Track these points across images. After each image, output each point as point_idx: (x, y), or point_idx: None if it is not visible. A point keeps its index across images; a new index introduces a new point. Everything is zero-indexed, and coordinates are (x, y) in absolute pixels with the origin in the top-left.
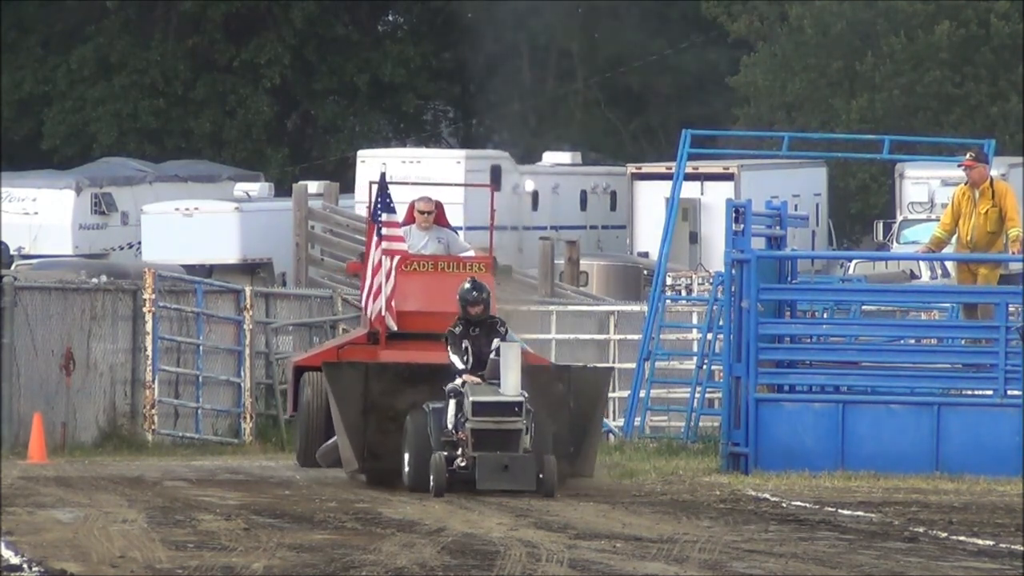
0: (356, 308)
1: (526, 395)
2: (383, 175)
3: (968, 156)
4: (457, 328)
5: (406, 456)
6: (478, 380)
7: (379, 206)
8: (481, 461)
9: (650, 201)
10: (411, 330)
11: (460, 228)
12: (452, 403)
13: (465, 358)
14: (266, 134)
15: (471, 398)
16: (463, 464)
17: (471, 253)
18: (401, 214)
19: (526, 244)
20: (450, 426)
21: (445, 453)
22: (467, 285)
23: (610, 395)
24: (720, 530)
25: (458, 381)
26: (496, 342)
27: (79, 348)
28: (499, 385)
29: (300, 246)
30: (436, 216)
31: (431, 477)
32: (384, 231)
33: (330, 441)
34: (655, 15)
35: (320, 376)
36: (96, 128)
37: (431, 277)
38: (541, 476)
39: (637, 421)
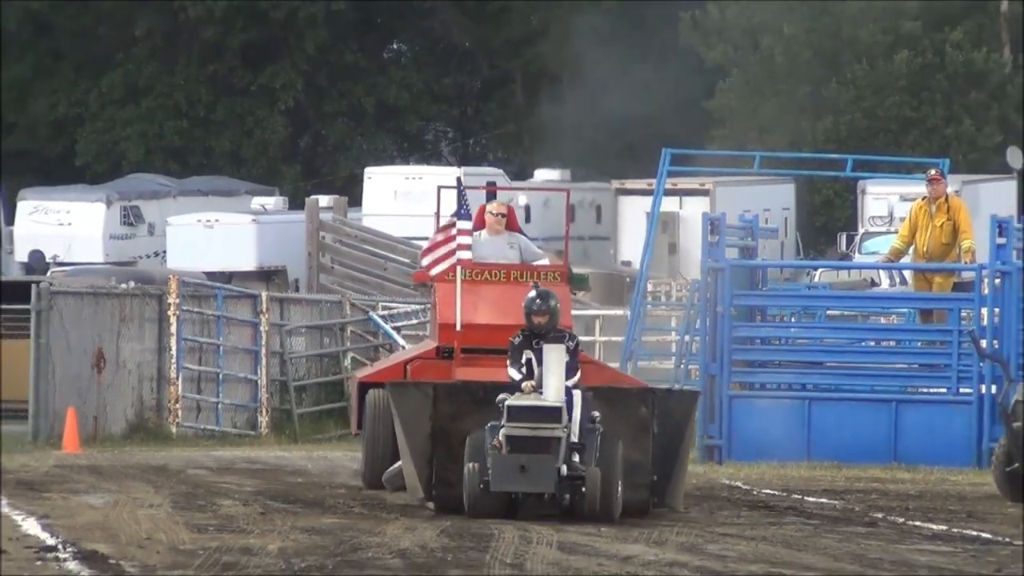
0: (363, 311)
1: (594, 414)
2: (459, 179)
3: (934, 171)
4: (517, 339)
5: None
6: (532, 387)
7: (459, 210)
8: (496, 461)
9: (633, 214)
10: (482, 344)
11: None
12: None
13: (524, 371)
14: (281, 152)
15: (508, 403)
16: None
17: (545, 261)
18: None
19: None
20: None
21: (478, 464)
22: (532, 293)
23: None
24: (696, 515)
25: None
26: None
27: (109, 348)
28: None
29: (312, 255)
30: (508, 221)
31: (464, 491)
32: (459, 238)
33: (396, 465)
34: (638, 44)
35: (385, 394)
36: (125, 146)
37: (503, 287)
38: (602, 499)
39: None
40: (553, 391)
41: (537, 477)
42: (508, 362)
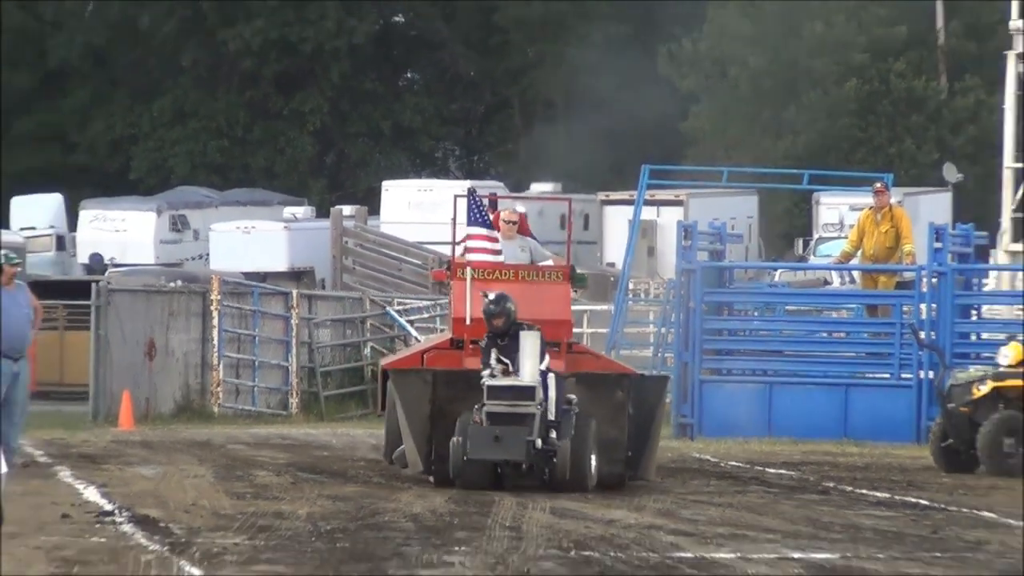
0: (381, 307)
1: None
2: (471, 190)
3: (879, 184)
4: (484, 341)
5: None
6: (504, 369)
7: (473, 217)
8: (473, 432)
9: (616, 222)
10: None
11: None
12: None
13: (494, 363)
14: (309, 168)
15: (487, 383)
16: None
17: (550, 262)
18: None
19: None
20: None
21: (462, 438)
22: (488, 299)
23: None
24: (671, 484)
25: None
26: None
27: (159, 338)
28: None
29: (336, 257)
30: (520, 226)
31: (450, 462)
32: (471, 242)
33: (403, 446)
34: (622, 73)
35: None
36: (173, 163)
37: (512, 286)
38: (573, 470)
39: None
40: (528, 373)
41: (509, 446)
42: (480, 361)
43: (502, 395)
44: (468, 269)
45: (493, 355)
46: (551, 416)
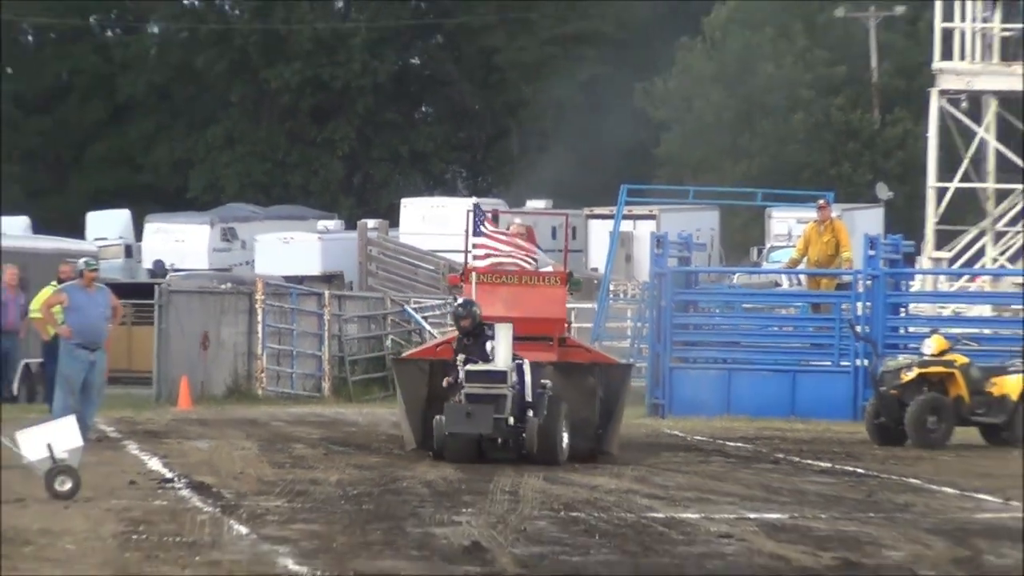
0: (400, 305)
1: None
2: (476, 206)
3: (822, 201)
4: (456, 343)
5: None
6: (463, 359)
7: (476, 229)
8: (448, 409)
9: (599, 233)
10: None
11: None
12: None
13: (463, 356)
14: (339, 187)
15: (464, 368)
16: None
17: (549, 268)
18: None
19: None
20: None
21: (444, 417)
22: (457, 304)
23: None
24: (645, 455)
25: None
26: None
27: (212, 331)
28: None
29: (362, 263)
30: (527, 238)
31: (434, 438)
32: (476, 251)
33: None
34: (604, 106)
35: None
36: (224, 183)
37: (514, 288)
38: (541, 444)
39: None
40: (502, 359)
41: (478, 421)
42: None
43: (478, 379)
44: (473, 274)
45: (460, 356)
46: (528, 398)
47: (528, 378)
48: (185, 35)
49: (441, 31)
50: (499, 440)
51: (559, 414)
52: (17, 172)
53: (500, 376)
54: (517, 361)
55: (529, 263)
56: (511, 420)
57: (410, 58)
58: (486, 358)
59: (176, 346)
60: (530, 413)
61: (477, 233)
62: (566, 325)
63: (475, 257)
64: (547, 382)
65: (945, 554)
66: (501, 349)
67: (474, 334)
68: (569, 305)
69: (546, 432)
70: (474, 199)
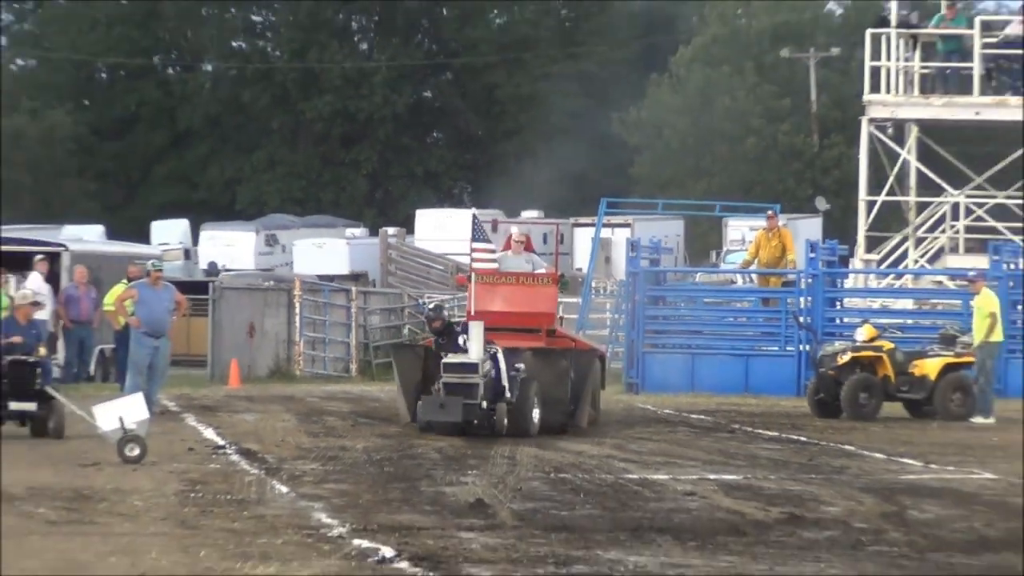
0: (415, 300)
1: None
2: (475, 216)
3: (770, 212)
4: (434, 343)
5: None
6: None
7: (475, 236)
8: (424, 401)
9: (583, 239)
10: (496, 324)
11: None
12: None
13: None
14: (363, 201)
15: (444, 360)
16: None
17: (543, 270)
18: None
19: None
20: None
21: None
22: (428, 308)
23: None
24: (622, 426)
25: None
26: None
27: (257, 322)
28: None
29: (383, 265)
30: (526, 244)
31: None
32: (475, 254)
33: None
34: (587, 132)
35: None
36: (267, 197)
37: (512, 287)
38: (512, 422)
39: None
40: (474, 352)
41: (450, 411)
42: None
43: (455, 369)
44: (472, 275)
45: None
46: (504, 383)
47: (503, 364)
48: (234, 73)
49: (450, 69)
50: (475, 421)
51: (529, 394)
52: (93, 189)
53: (472, 367)
54: (492, 350)
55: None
56: (484, 404)
57: (424, 92)
58: (462, 351)
59: (227, 334)
60: (508, 394)
61: (480, 239)
62: (559, 318)
63: (474, 260)
64: (520, 366)
65: (875, 509)
66: (474, 343)
67: (446, 333)
68: (560, 300)
69: (517, 412)
70: (474, 210)
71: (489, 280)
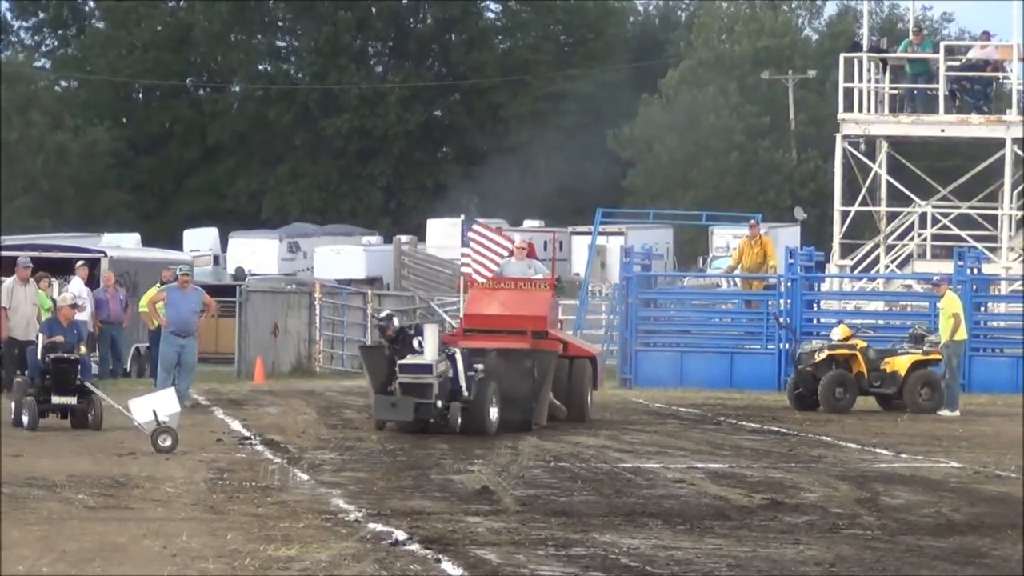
0: (426, 302)
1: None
2: (464, 220)
3: (753, 221)
4: (387, 349)
5: None
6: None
7: (466, 243)
8: (376, 400)
9: (580, 246)
10: (492, 326)
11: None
12: None
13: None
14: (379, 211)
15: (400, 362)
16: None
17: (540, 276)
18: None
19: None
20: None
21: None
22: (379, 318)
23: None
24: (616, 418)
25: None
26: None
27: (281, 322)
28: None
29: (397, 270)
30: (528, 251)
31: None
32: (464, 259)
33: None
34: (583, 148)
35: None
36: (290, 207)
37: (510, 292)
38: (471, 420)
39: None
40: (429, 353)
41: (401, 411)
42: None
43: (409, 371)
44: (462, 279)
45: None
46: (461, 382)
47: (460, 365)
48: (260, 93)
49: (458, 90)
50: (431, 420)
51: (486, 394)
52: (130, 200)
53: (427, 368)
54: (450, 351)
55: (495, 263)
56: (439, 404)
57: (434, 111)
58: (417, 354)
59: (253, 334)
60: (466, 393)
61: (465, 244)
62: (558, 321)
63: (463, 265)
64: (479, 366)
65: (849, 495)
66: (428, 345)
67: (399, 339)
68: (560, 304)
69: (475, 410)
70: (481, 219)
71: (489, 286)
